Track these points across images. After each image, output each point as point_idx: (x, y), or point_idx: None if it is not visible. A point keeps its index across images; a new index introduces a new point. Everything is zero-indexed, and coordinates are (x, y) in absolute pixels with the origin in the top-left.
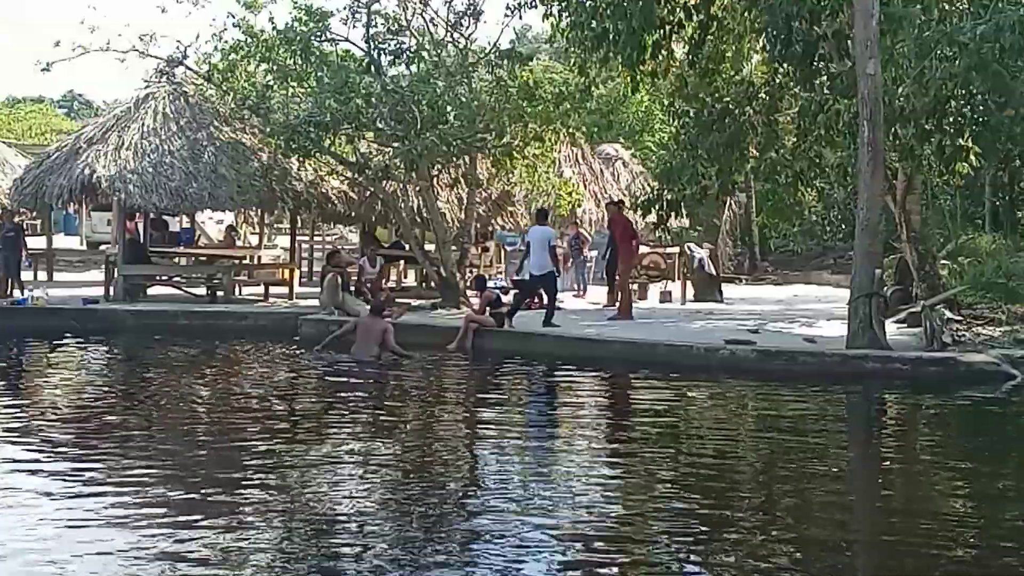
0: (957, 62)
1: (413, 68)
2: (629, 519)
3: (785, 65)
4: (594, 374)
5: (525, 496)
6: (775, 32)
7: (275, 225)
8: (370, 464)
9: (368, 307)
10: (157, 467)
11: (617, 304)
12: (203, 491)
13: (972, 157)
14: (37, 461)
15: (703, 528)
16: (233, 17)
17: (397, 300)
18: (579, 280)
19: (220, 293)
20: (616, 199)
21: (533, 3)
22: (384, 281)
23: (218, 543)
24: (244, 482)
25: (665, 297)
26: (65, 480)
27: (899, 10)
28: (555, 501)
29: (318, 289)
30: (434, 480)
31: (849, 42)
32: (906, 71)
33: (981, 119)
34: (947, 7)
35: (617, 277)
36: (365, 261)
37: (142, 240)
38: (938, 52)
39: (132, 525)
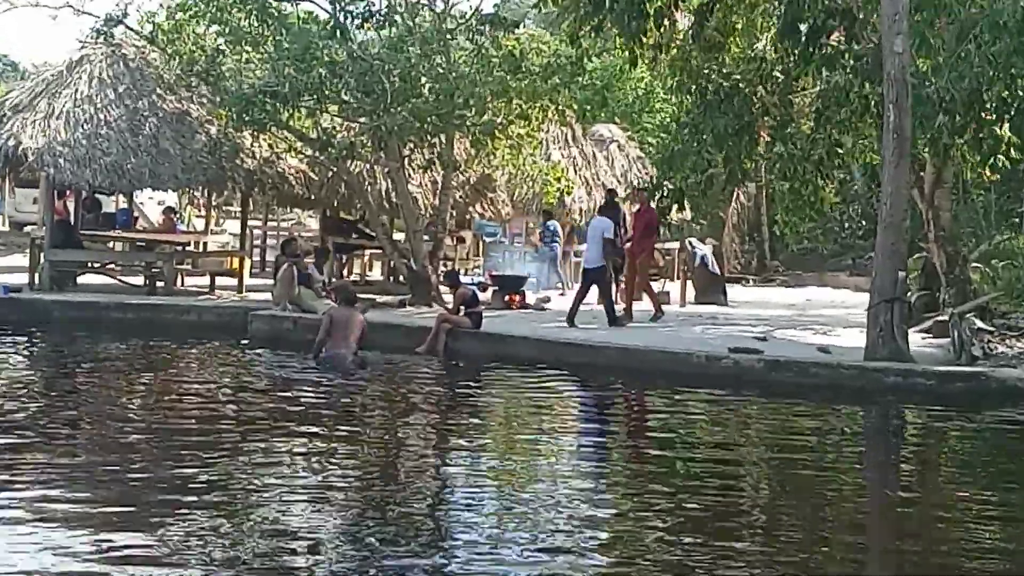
0: (997, 44)
1: (384, 34)
2: (616, 556)
3: (788, 43)
4: (581, 383)
5: (498, 528)
6: (783, 6)
7: (224, 208)
8: (328, 484)
9: (326, 303)
10: (83, 480)
11: (652, 303)
12: (137, 517)
13: (1012, 150)
14: None
15: (699, 565)
16: None
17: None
18: (558, 275)
19: (160, 284)
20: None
21: None
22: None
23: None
24: (183, 504)
25: (663, 298)
26: None
27: None
28: (533, 532)
29: (271, 281)
30: (398, 507)
31: (871, 20)
32: (941, 53)
33: (1023, 107)
34: None
35: (624, 276)
36: (313, 268)
37: (73, 222)
38: (975, 33)
39: (57, 546)
